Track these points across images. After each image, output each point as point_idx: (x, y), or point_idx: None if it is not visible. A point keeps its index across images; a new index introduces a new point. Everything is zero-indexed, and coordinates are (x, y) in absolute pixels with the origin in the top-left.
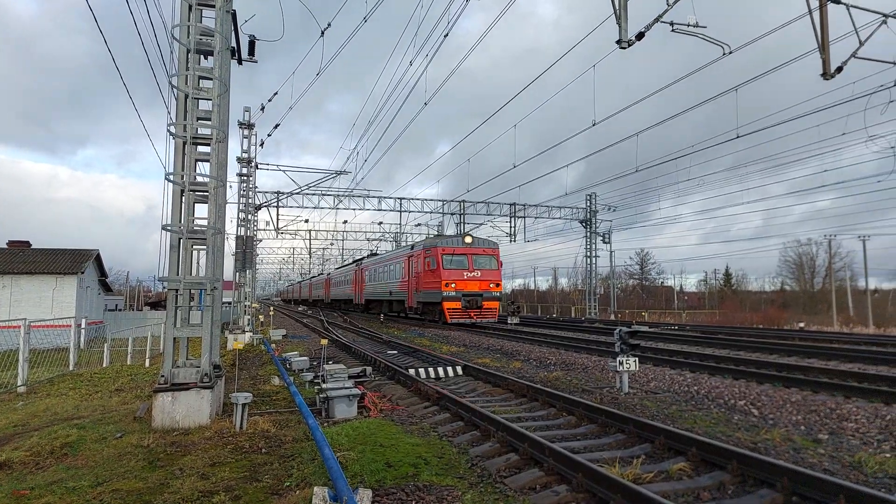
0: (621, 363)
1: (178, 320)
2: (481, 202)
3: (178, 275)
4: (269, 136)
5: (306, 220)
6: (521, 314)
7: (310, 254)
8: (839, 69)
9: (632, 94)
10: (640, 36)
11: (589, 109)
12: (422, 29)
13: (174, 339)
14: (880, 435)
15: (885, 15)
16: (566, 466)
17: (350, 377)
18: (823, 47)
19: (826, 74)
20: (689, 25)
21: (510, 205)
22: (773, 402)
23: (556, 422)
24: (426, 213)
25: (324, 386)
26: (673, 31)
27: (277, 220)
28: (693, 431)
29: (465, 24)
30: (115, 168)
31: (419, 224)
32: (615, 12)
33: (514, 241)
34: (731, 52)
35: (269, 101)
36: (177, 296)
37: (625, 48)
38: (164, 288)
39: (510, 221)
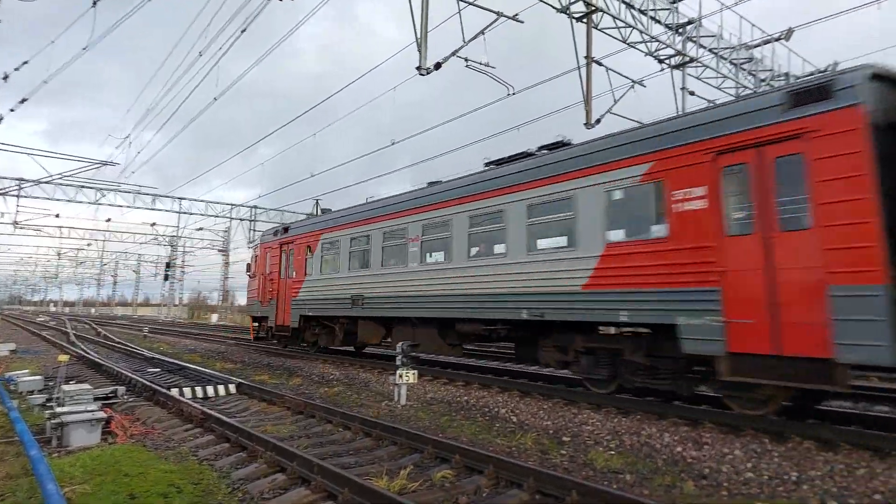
0: (401, 376)
1: None
2: (274, 209)
3: None
4: (11, 111)
5: (57, 215)
6: None
7: (58, 255)
8: (598, 121)
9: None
10: (437, 66)
11: (415, 126)
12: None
13: None
14: (608, 436)
15: (633, 81)
16: (333, 482)
17: (97, 399)
18: (587, 100)
19: (588, 124)
20: (480, 63)
21: (307, 215)
22: (529, 410)
23: (332, 438)
24: (209, 216)
25: (58, 410)
26: (466, 66)
27: (17, 211)
28: (458, 440)
29: (308, 29)
30: None
31: (201, 228)
32: (416, 41)
33: None
34: (514, 94)
35: (17, 69)
36: None
37: (424, 75)
38: None
39: None
